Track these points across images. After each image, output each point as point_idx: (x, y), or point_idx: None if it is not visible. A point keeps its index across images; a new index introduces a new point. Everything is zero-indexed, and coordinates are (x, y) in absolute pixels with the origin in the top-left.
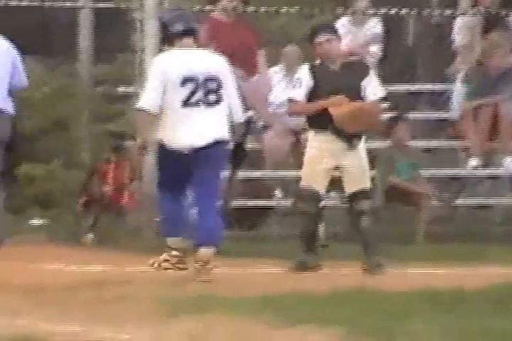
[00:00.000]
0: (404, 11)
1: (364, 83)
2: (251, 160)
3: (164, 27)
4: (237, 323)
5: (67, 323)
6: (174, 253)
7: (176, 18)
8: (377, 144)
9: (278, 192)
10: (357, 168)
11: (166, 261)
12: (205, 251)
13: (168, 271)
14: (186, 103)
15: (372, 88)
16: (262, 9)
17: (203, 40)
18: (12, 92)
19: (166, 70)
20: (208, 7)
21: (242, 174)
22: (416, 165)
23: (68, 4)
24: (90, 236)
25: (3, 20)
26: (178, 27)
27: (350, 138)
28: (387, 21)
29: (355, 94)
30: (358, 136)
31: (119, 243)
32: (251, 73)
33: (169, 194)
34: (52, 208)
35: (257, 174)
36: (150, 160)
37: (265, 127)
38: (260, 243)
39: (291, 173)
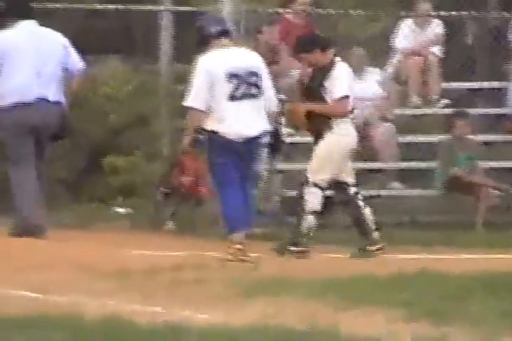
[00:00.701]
0: (463, 14)
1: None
2: None
3: (200, 29)
4: (306, 304)
5: (149, 304)
6: (237, 246)
7: (212, 21)
8: (439, 138)
9: None
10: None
11: (230, 255)
12: (241, 234)
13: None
14: (233, 97)
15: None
16: (331, 11)
17: (275, 39)
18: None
19: (210, 69)
20: (281, 9)
21: None
22: (474, 157)
23: (150, 8)
24: (170, 223)
25: (92, 23)
26: (215, 29)
27: (311, 134)
28: (448, 23)
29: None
30: (314, 131)
31: (197, 230)
32: None
33: (231, 188)
34: (135, 197)
35: None
36: None
37: None
38: (327, 230)
39: (358, 165)
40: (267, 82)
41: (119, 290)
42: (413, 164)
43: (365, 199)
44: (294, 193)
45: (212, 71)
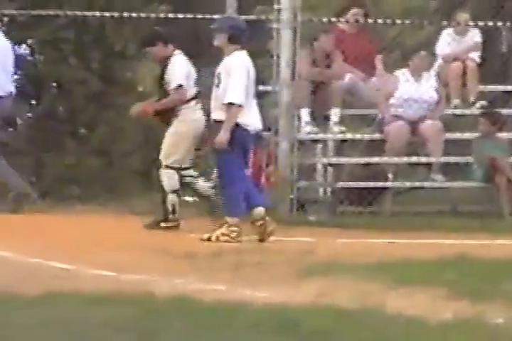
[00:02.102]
0: (499, 24)
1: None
2: (371, 148)
3: (238, 29)
4: (357, 284)
5: (214, 284)
6: (233, 228)
7: (234, 22)
8: (475, 135)
9: (391, 175)
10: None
11: (225, 235)
12: (260, 210)
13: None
14: (253, 94)
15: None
16: (380, 21)
17: (329, 47)
18: None
19: (248, 69)
20: (334, 19)
21: (364, 159)
22: (503, 149)
23: (216, 16)
24: None
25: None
26: (238, 30)
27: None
28: (485, 32)
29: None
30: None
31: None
32: (370, 75)
33: (240, 174)
34: None
35: (375, 159)
36: (284, 148)
37: (387, 119)
38: (376, 217)
39: (404, 159)
40: None
41: (188, 270)
42: (455, 158)
43: (410, 190)
44: (344, 184)
45: (249, 71)
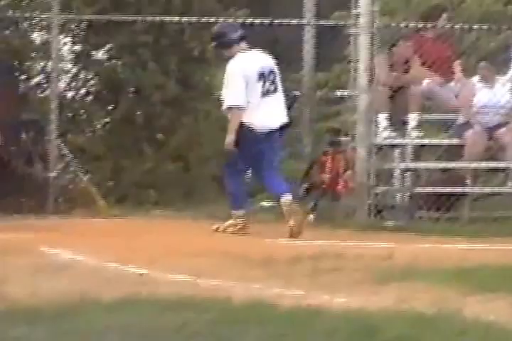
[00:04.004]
0: None
1: None
2: (450, 153)
3: (223, 35)
4: (435, 290)
5: (291, 289)
6: (240, 220)
7: (232, 28)
8: None
9: (469, 181)
10: None
11: (232, 226)
12: (287, 197)
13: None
14: (261, 93)
15: None
16: (458, 26)
17: (409, 52)
18: None
19: (245, 70)
20: (412, 23)
21: (442, 165)
22: None
23: (294, 21)
24: (311, 216)
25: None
26: (237, 34)
27: None
28: None
29: None
30: None
31: (335, 222)
32: (448, 80)
33: (238, 171)
34: None
35: (453, 165)
36: (361, 153)
37: (465, 125)
38: (454, 223)
39: (482, 164)
40: (279, 79)
41: (264, 276)
42: None
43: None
44: (421, 190)
45: (247, 72)
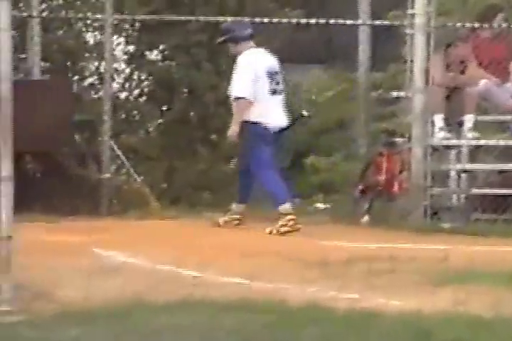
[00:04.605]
0: None
1: None
2: (506, 154)
3: (232, 31)
4: (492, 292)
5: (346, 291)
6: (289, 217)
7: (241, 25)
8: None
9: None
10: None
11: (284, 225)
12: (289, 206)
13: (290, 233)
14: (269, 92)
15: None
16: None
17: (465, 52)
18: None
19: (253, 65)
20: (468, 24)
21: (498, 166)
22: None
23: (349, 22)
24: (366, 218)
25: (296, 36)
26: (247, 32)
27: None
28: None
29: None
30: None
31: (390, 224)
32: (504, 80)
33: (271, 168)
34: (334, 194)
35: (510, 166)
36: (417, 154)
37: None
38: (511, 225)
39: None
40: (282, 81)
41: (319, 278)
42: None
43: None
44: (478, 191)
45: (256, 68)
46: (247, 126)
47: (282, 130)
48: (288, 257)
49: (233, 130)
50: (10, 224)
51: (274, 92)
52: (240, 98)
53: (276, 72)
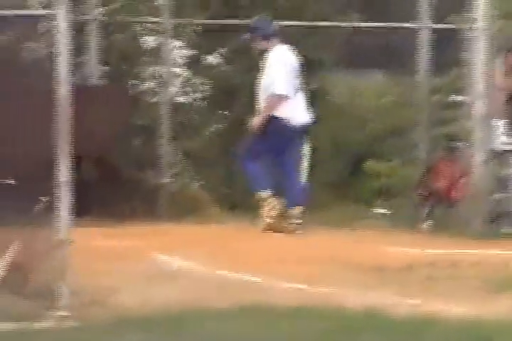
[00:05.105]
0: None
1: None
2: None
3: (260, 28)
4: None
5: (406, 297)
6: (297, 221)
7: (269, 22)
8: None
9: None
10: None
11: (268, 211)
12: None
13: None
14: (295, 89)
15: None
16: None
17: None
18: None
19: (288, 62)
20: None
21: None
22: None
23: (409, 25)
24: (426, 224)
25: (355, 40)
26: (273, 29)
27: None
28: None
29: None
30: None
31: (451, 230)
32: None
33: (258, 158)
34: (393, 199)
35: None
36: (478, 159)
37: None
38: None
39: None
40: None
41: (378, 283)
42: None
43: None
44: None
45: (288, 65)
46: (274, 121)
47: (305, 126)
48: (346, 262)
49: (259, 122)
50: (68, 228)
51: (298, 89)
52: (278, 95)
53: (298, 70)
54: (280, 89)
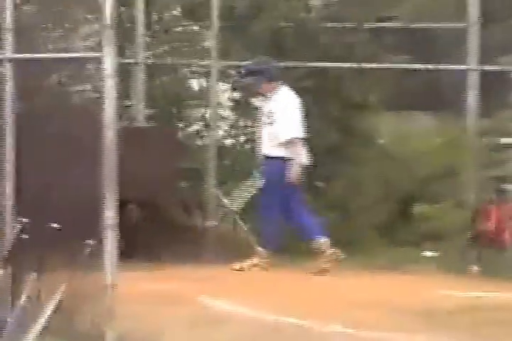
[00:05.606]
0: None
1: None
2: None
3: (268, 71)
4: None
5: None
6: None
7: (271, 64)
8: None
9: None
10: None
11: (255, 265)
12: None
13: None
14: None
15: None
16: None
17: None
18: None
19: (296, 104)
20: None
21: None
22: None
23: (459, 67)
24: (475, 267)
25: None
26: (275, 70)
27: None
28: None
29: None
30: None
31: (501, 274)
32: None
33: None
34: (442, 242)
35: None
36: None
37: None
38: None
39: None
40: None
41: (425, 327)
42: None
43: None
44: None
45: (297, 106)
46: (284, 163)
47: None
48: (394, 306)
49: (295, 171)
50: (114, 272)
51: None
52: (295, 138)
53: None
54: (295, 132)
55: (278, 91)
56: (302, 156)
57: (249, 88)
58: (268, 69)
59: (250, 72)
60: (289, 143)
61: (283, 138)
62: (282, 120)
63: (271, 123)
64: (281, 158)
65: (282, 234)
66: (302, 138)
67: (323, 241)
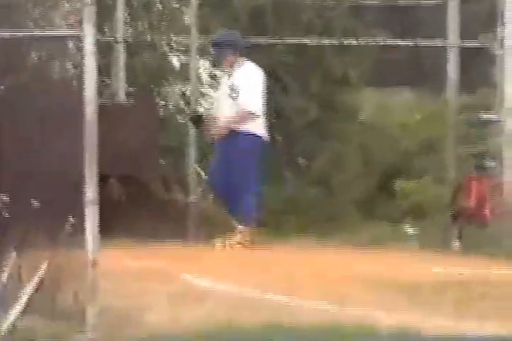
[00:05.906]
0: None
1: None
2: None
3: (239, 42)
4: None
5: (437, 318)
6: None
7: (239, 37)
8: None
9: None
10: None
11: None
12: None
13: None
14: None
15: None
16: None
17: None
18: None
19: (260, 80)
20: None
21: None
22: None
23: (438, 43)
24: (457, 243)
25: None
26: (244, 43)
27: None
28: None
29: None
30: None
31: (482, 249)
32: None
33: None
34: (423, 218)
35: None
36: (509, 178)
37: None
38: None
39: None
40: None
41: (410, 303)
42: None
43: None
44: None
45: (262, 82)
46: (251, 138)
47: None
48: (377, 282)
49: (222, 131)
50: (96, 248)
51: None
52: (253, 114)
53: (265, 87)
54: (255, 107)
55: (243, 65)
56: (262, 130)
57: (217, 60)
58: (234, 42)
59: (216, 44)
60: (250, 116)
61: (245, 110)
62: (245, 93)
63: (234, 96)
64: (246, 132)
65: (263, 210)
66: (263, 113)
67: (246, 228)
